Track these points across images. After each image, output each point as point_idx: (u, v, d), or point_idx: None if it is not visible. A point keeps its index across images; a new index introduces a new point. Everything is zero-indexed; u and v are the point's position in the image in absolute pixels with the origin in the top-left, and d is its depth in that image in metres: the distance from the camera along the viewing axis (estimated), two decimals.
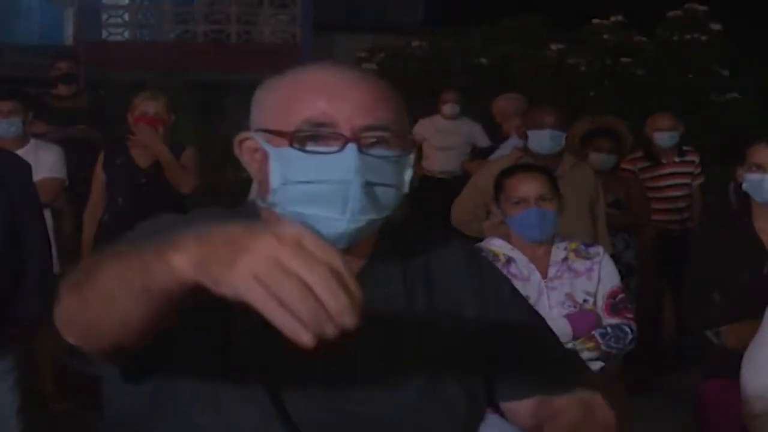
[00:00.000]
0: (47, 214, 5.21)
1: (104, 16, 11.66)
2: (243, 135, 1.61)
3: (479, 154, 8.27)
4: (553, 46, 10.53)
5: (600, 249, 3.87)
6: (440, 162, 8.58)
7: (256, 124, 1.59)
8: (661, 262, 6.65)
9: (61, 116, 7.55)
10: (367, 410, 1.53)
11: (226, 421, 1.48)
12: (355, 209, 1.51)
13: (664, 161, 6.92)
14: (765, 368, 3.05)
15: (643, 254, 6.46)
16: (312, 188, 1.51)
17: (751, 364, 3.12)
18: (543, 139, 5.14)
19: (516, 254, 3.75)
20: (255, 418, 1.48)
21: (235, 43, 11.42)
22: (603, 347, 3.66)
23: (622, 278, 3.90)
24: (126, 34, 11.63)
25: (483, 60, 10.87)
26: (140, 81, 8.12)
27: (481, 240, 3.98)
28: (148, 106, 5.74)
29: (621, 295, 3.79)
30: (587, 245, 3.88)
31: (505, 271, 3.12)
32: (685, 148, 7.06)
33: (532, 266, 3.74)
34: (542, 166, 4.08)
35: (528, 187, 3.71)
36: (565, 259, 3.77)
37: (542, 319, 1.78)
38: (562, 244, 3.80)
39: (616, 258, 4.39)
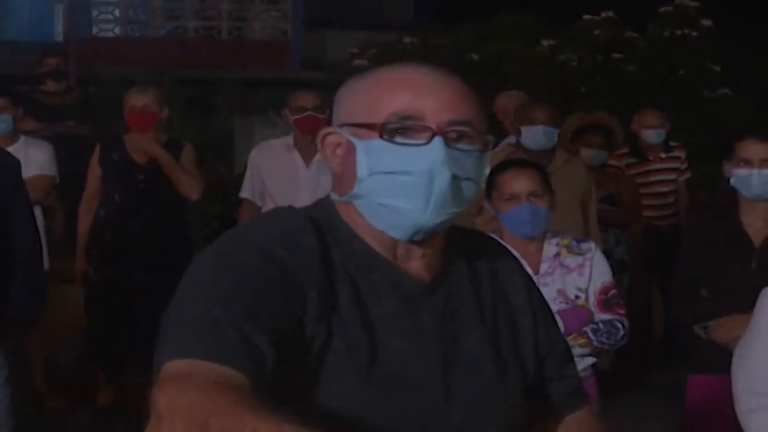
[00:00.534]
0: (38, 212, 5.20)
1: (95, 13, 11.60)
2: (326, 130, 1.65)
3: None
4: (545, 43, 10.51)
5: (592, 245, 3.86)
6: None
7: (341, 120, 1.63)
8: (650, 258, 6.65)
9: (50, 113, 7.52)
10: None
11: None
12: (438, 202, 1.56)
13: (650, 158, 6.92)
14: (756, 364, 3.05)
15: (634, 250, 6.47)
16: (398, 179, 1.56)
17: (742, 360, 3.12)
18: (536, 135, 5.14)
19: None
20: None
21: (226, 40, 11.38)
22: (595, 343, 3.66)
23: (613, 274, 3.90)
24: (117, 31, 11.58)
25: (475, 56, 10.85)
26: (131, 77, 8.08)
27: None
28: (137, 99, 5.73)
29: (613, 291, 3.78)
30: (579, 241, 3.86)
31: None
32: (671, 143, 7.06)
33: (524, 262, 3.71)
34: (534, 162, 4.06)
35: (520, 183, 3.69)
36: (557, 255, 3.76)
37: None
38: (554, 240, 3.79)
39: (607, 254, 4.38)
